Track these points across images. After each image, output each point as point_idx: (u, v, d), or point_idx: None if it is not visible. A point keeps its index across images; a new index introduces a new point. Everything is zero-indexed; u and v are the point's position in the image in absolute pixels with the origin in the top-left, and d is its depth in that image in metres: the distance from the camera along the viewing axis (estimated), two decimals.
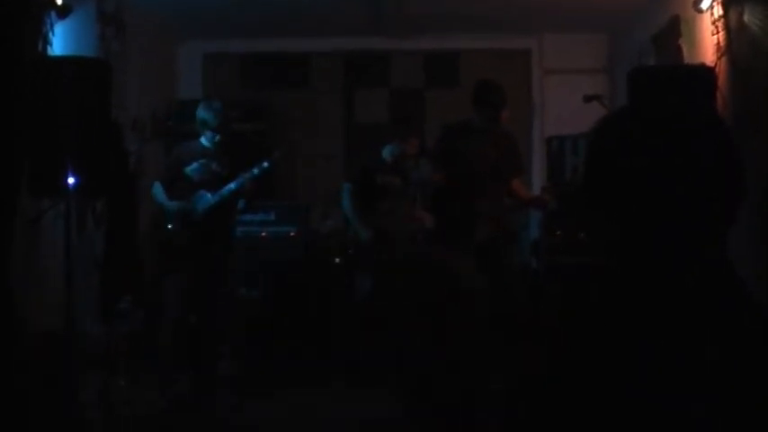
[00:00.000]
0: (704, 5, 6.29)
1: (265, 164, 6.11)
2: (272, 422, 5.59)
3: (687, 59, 6.80)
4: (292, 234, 8.12)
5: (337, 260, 7.48)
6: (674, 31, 7.09)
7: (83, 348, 5.40)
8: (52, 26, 5.98)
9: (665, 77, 4.70)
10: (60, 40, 6.11)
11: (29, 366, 4.78)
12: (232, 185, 6.01)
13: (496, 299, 5.85)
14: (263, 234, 8.06)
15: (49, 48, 5.94)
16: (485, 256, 6.02)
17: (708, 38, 6.31)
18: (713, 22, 6.18)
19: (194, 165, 6.02)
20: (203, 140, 6.19)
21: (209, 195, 5.99)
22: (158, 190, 6.11)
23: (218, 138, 6.10)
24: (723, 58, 6.04)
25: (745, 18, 5.71)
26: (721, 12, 6.10)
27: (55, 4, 5.93)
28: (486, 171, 6.11)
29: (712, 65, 6.00)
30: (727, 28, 6.02)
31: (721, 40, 6.09)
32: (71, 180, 4.66)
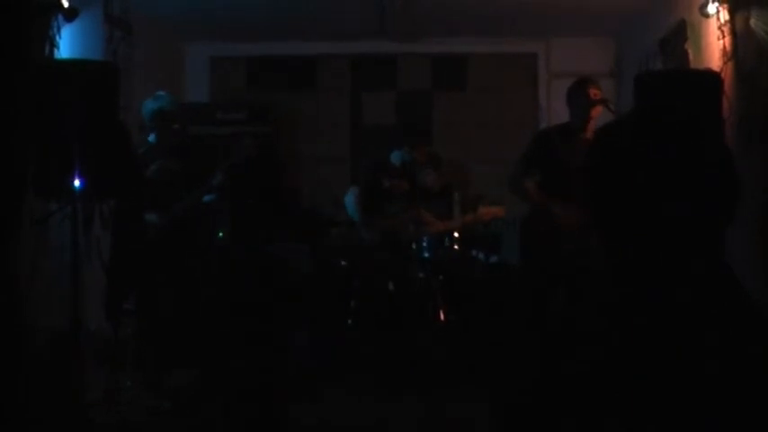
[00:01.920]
0: (711, 10, 6.29)
1: (236, 161, 6.04)
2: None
3: (693, 64, 6.80)
4: None
5: (343, 263, 7.48)
6: (681, 35, 7.09)
7: (89, 349, 5.41)
8: (59, 29, 5.99)
9: (671, 81, 4.68)
10: (67, 43, 6.13)
11: (34, 366, 4.79)
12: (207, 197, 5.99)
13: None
14: None
15: (55, 51, 5.96)
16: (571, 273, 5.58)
17: (714, 42, 6.31)
18: (719, 27, 6.19)
19: (153, 167, 5.95)
20: (150, 138, 6.11)
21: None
22: None
23: (175, 127, 6.00)
24: (729, 63, 6.04)
25: (752, 23, 5.71)
26: (727, 17, 6.10)
27: (62, 6, 5.95)
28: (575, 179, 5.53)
29: (718, 69, 6.00)
30: (733, 33, 6.03)
31: (727, 44, 6.09)
32: (78, 182, 4.67)
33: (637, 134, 4.14)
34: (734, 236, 4.15)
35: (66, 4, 5.98)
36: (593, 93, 5.80)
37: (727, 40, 6.09)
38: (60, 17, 5.98)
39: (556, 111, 9.00)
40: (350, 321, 6.80)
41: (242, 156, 6.07)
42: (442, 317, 6.60)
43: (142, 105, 6.11)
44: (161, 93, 6.15)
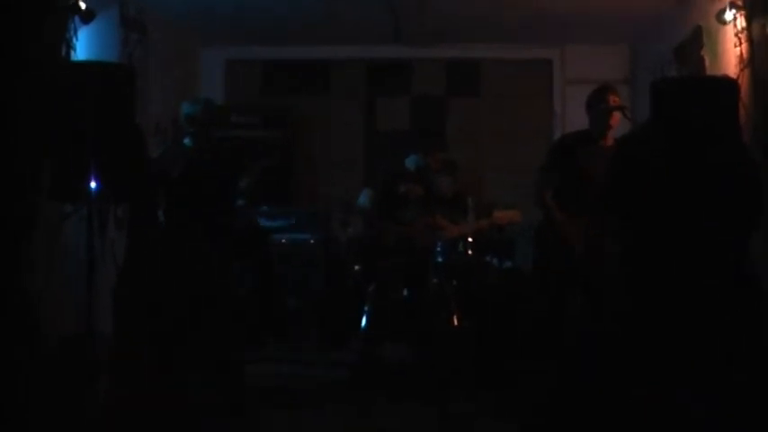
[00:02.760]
0: (727, 17, 6.26)
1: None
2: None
3: (709, 71, 6.77)
4: (312, 241, 8.13)
5: (357, 267, 7.48)
6: (697, 42, 7.07)
7: (102, 351, 5.41)
8: (76, 31, 6.01)
9: (687, 88, 4.66)
10: (84, 45, 6.14)
11: (47, 368, 4.79)
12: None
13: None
14: (283, 241, 8.08)
15: (72, 52, 5.97)
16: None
17: (730, 49, 6.28)
18: (736, 34, 6.16)
19: (180, 169, 5.97)
20: (186, 141, 6.16)
21: None
22: None
23: (203, 132, 6.05)
24: (746, 70, 6.01)
25: None
26: (744, 23, 6.08)
27: (79, 9, 5.97)
28: (594, 186, 5.37)
29: (735, 76, 5.98)
30: (749, 40, 6.00)
31: (744, 51, 6.06)
32: (93, 185, 4.67)
33: (655, 142, 4.12)
34: (753, 241, 4.14)
35: (83, 6, 6.00)
36: (613, 100, 5.78)
37: (744, 46, 6.06)
38: (77, 19, 6.00)
39: (570, 117, 9.02)
40: (363, 326, 6.79)
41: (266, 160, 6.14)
42: (455, 322, 6.58)
43: (183, 105, 6.20)
44: (200, 97, 6.20)
